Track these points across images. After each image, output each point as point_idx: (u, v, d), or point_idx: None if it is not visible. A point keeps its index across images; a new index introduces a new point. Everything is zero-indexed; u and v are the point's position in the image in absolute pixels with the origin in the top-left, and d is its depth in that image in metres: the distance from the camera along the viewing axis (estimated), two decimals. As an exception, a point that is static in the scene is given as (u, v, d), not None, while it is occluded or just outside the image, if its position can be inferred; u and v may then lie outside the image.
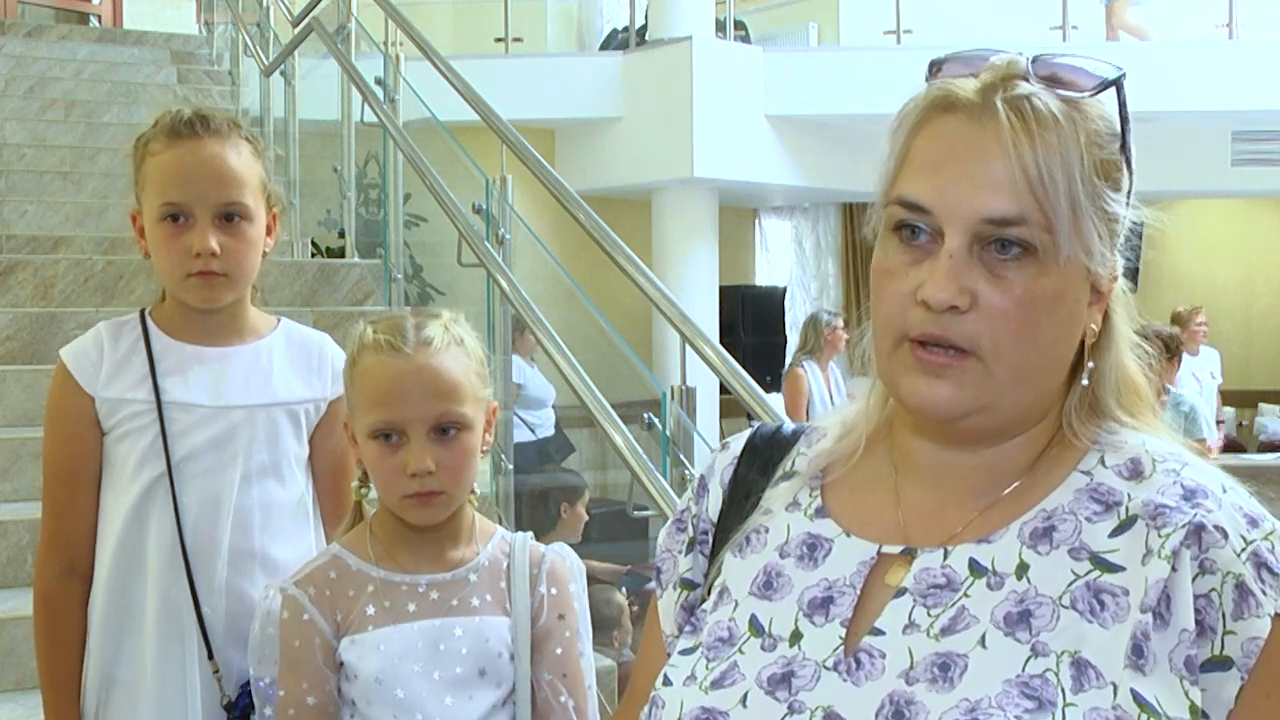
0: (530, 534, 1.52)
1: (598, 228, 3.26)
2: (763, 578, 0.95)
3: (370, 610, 1.42)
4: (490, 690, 1.41)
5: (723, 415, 7.30)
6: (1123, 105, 0.87)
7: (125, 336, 1.64)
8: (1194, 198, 10.65)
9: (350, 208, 5.23)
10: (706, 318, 7.92)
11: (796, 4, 10.35)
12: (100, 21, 10.25)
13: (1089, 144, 0.84)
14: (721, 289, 8.59)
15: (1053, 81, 0.85)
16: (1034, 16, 8.76)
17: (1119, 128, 0.87)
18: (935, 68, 0.90)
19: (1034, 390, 0.87)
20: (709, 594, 0.99)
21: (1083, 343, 0.89)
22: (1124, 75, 0.86)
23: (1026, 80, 0.85)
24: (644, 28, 8.44)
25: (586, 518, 5.14)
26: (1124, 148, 0.87)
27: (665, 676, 0.94)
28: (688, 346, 2.86)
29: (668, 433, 2.77)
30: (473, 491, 1.51)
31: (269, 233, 1.66)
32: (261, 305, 1.75)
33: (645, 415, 2.83)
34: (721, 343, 2.90)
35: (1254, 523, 0.82)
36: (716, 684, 0.90)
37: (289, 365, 1.69)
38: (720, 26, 8.40)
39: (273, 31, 6.72)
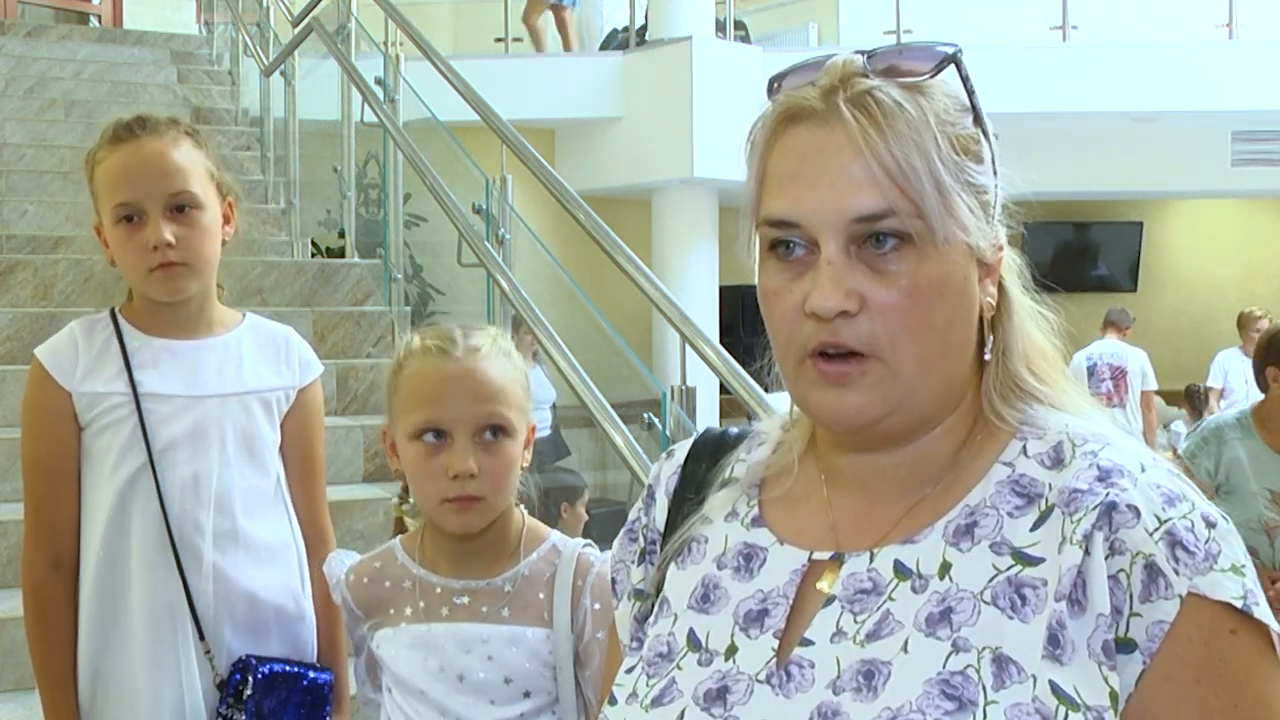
0: (584, 543, 1.49)
1: (598, 228, 3.26)
2: (701, 590, 0.94)
3: (407, 609, 1.46)
4: (516, 699, 1.40)
5: (723, 415, 7.30)
6: (965, 79, 0.86)
7: (99, 333, 1.68)
8: (1194, 198, 10.67)
9: (350, 208, 5.24)
10: (706, 318, 7.92)
11: (796, 4, 10.35)
12: (100, 21, 10.27)
13: (940, 123, 0.84)
14: (721, 289, 8.58)
15: (891, 73, 0.85)
16: (1034, 16, 8.76)
17: (967, 101, 0.86)
18: (775, 83, 0.90)
19: (942, 378, 0.86)
20: (654, 605, 0.98)
21: (983, 320, 0.88)
22: (960, 51, 0.86)
23: (866, 76, 0.85)
24: (644, 28, 8.45)
25: (586, 518, 5.13)
26: (977, 120, 0.87)
27: (611, 695, 0.94)
28: (688, 346, 2.86)
29: (668, 433, 2.77)
30: (522, 498, 1.52)
31: (227, 222, 1.70)
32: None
33: (645, 415, 2.84)
34: (721, 343, 2.89)
35: (1171, 501, 0.79)
36: (656, 701, 0.89)
37: (258, 355, 1.74)
38: (720, 26, 8.40)
39: (273, 31, 6.72)
